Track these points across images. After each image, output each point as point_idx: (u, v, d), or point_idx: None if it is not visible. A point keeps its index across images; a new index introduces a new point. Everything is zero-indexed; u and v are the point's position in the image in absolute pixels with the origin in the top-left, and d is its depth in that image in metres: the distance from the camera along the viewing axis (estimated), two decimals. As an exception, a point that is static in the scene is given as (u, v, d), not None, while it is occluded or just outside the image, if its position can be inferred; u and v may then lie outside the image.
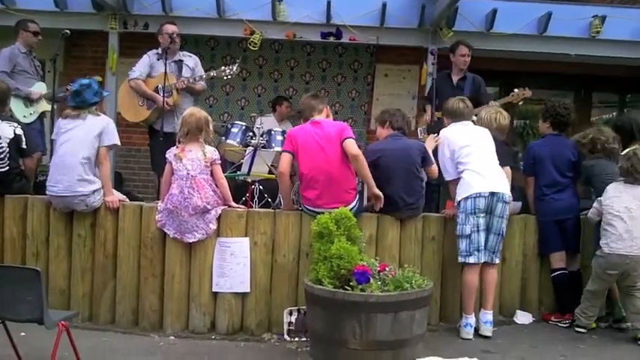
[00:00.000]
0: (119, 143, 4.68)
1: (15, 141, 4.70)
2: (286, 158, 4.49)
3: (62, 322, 3.53)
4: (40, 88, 5.93)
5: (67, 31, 5.63)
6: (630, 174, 4.52)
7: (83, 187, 4.40)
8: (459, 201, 4.49)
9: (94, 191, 4.43)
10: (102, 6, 6.72)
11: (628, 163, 4.52)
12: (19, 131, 4.73)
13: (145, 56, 5.89)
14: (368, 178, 4.44)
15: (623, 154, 4.67)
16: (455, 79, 6.11)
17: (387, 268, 3.98)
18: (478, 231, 4.44)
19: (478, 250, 4.45)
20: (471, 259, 4.45)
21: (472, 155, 4.54)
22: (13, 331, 3.65)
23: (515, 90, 5.95)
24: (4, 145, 4.64)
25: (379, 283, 3.84)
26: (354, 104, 8.25)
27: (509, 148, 5.31)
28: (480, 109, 5.31)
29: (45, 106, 5.89)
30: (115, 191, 4.65)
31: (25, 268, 3.67)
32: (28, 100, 5.81)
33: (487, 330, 4.50)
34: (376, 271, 3.95)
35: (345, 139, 4.37)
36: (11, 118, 4.97)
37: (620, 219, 4.44)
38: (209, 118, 4.55)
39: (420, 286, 3.85)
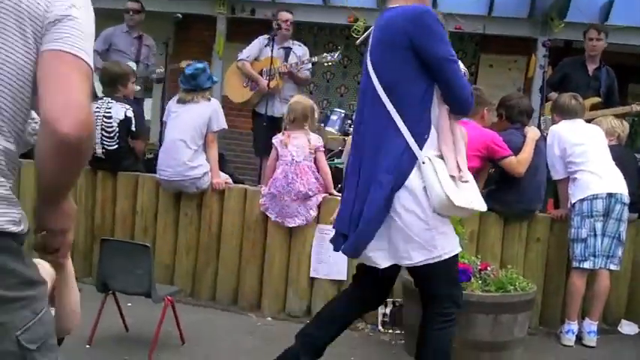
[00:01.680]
0: (226, 127, 4.78)
1: (125, 122, 4.81)
2: None
3: (168, 297, 3.69)
4: None
5: (179, 15, 5.83)
6: None
7: (193, 171, 4.55)
8: (574, 203, 4.27)
9: (203, 174, 4.58)
10: (211, -9, 6.92)
11: None
12: (130, 113, 4.83)
13: (256, 40, 6.01)
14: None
15: None
16: (590, 68, 5.64)
17: (488, 268, 3.88)
18: (595, 235, 4.21)
19: (594, 256, 4.22)
20: (587, 265, 4.23)
21: (586, 154, 4.31)
22: (121, 302, 3.85)
23: None
24: (115, 125, 4.78)
25: (480, 282, 3.75)
26: (456, 94, 8.08)
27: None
28: (601, 116, 4.99)
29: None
30: (221, 173, 4.78)
31: (137, 244, 3.83)
32: None
33: (591, 340, 4.28)
34: (477, 269, 3.86)
35: (502, 158, 4.30)
36: (124, 99, 5.12)
37: None
38: (315, 106, 4.58)
39: (524, 290, 3.73)
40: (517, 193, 4.42)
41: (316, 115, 4.57)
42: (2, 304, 1.26)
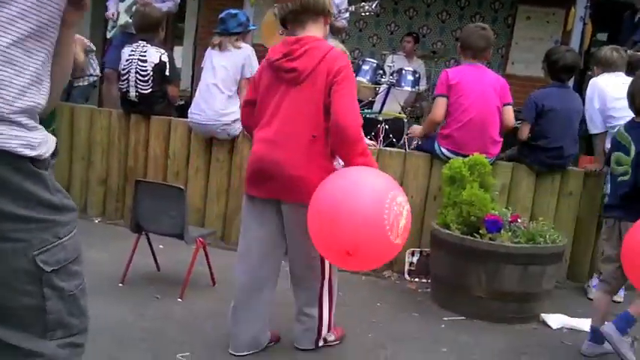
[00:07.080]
0: (259, 73, 4.74)
1: (159, 66, 4.82)
2: (441, 103, 4.33)
3: (200, 238, 3.76)
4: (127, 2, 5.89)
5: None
6: None
7: (225, 118, 4.57)
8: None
9: (234, 120, 4.58)
10: None
11: None
12: (165, 58, 4.83)
13: None
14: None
15: None
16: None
17: (519, 220, 3.87)
18: None
19: None
20: None
21: (628, 109, 4.21)
22: (153, 243, 3.94)
23: None
24: (149, 69, 4.80)
25: (509, 233, 3.75)
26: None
27: None
28: None
29: (123, 17, 5.87)
30: (252, 119, 4.79)
31: (172, 186, 3.87)
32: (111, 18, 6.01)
33: (618, 296, 4.24)
34: (507, 221, 3.85)
35: (507, 104, 4.30)
36: (158, 44, 5.02)
37: None
38: (346, 52, 4.47)
39: (554, 242, 3.72)
40: (544, 148, 4.36)
41: None
42: (18, 221, 1.28)
